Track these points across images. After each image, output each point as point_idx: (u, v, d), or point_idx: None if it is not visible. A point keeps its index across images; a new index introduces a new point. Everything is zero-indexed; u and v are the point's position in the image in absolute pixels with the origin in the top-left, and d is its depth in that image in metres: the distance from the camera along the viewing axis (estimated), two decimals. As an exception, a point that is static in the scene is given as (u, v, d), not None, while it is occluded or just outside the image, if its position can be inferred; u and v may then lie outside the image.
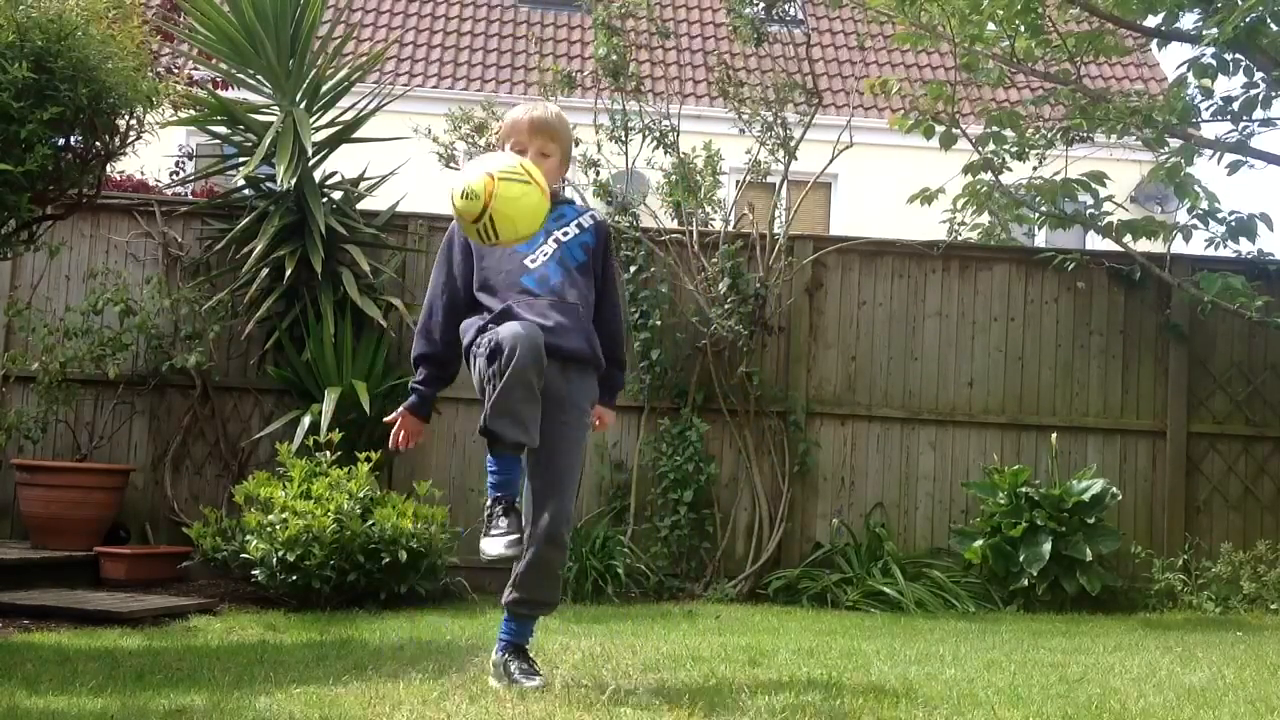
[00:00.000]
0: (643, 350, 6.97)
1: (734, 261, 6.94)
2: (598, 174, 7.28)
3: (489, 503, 3.40)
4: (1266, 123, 7.47)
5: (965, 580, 6.61)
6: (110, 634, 4.74)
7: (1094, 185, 7.51)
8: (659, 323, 6.96)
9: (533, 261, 3.47)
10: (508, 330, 3.27)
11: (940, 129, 7.56)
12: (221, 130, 7.14)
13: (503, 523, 3.35)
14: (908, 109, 7.79)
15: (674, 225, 7.20)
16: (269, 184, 6.92)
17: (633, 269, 7.03)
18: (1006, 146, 7.64)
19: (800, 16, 14.14)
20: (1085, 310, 7.30)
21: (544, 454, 3.41)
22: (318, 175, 6.89)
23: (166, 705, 3.21)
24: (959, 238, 8.05)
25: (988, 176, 7.71)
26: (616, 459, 6.97)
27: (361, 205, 7.13)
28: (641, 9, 7.31)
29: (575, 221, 3.59)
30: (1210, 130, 7.66)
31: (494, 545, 3.35)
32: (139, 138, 4.93)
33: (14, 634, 4.73)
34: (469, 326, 3.48)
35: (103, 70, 4.45)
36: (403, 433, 3.61)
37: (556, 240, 3.52)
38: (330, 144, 6.99)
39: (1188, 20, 7.56)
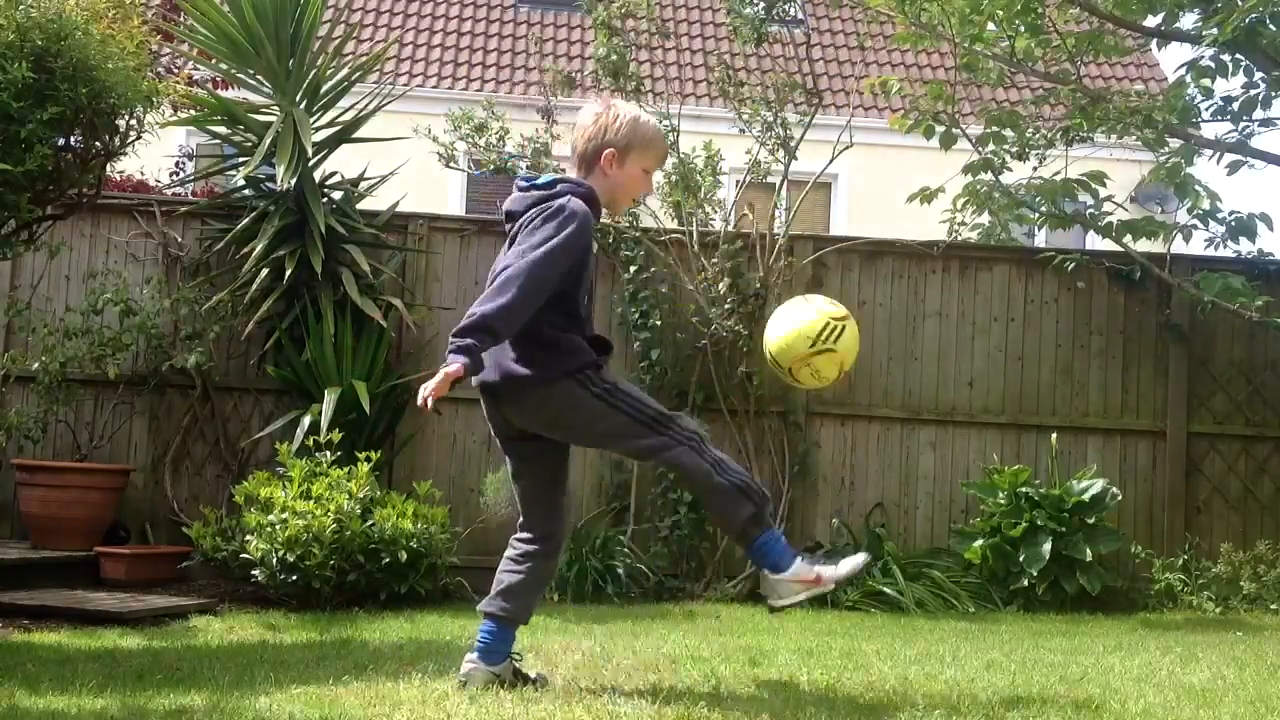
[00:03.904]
0: (643, 350, 6.97)
1: (734, 261, 6.94)
2: (598, 174, 7.27)
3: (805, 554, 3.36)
4: (1266, 123, 7.47)
5: (965, 580, 6.60)
6: (110, 634, 4.74)
7: (1094, 185, 7.51)
8: (659, 323, 6.96)
9: None
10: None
11: (940, 129, 7.56)
12: (221, 130, 7.14)
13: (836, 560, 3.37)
14: (908, 109, 7.79)
15: (674, 225, 7.20)
16: (269, 184, 6.92)
17: (633, 269, 7.03)
18: (1006, 146, 7.64)
19: (800, 16, 14.13)
20: (1085, 310, 7.30)
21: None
22: (318, 175, 6.89)
23: (166, 705, 3.21)
24: (959, 238, 8.05)
25: (988, 176, 7.71)
26: (616, 459, 6.96)
27: (361, 205, 7.13)
28: (641, 9, 7.31)
29: None
30: (1210, 130, 7.67)
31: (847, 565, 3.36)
32: (139, 138, 4.93)
33: (14, 634, 4.73)
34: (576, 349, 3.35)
35: (103, 70, 4.45)
36: (435, 387, 3.13)
37: None
38: (330, 144, 6.99)
39: (1188, 20, 7.55)
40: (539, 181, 3.47)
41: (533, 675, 3.54)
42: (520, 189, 3.48)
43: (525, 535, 3.52)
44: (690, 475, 3.34)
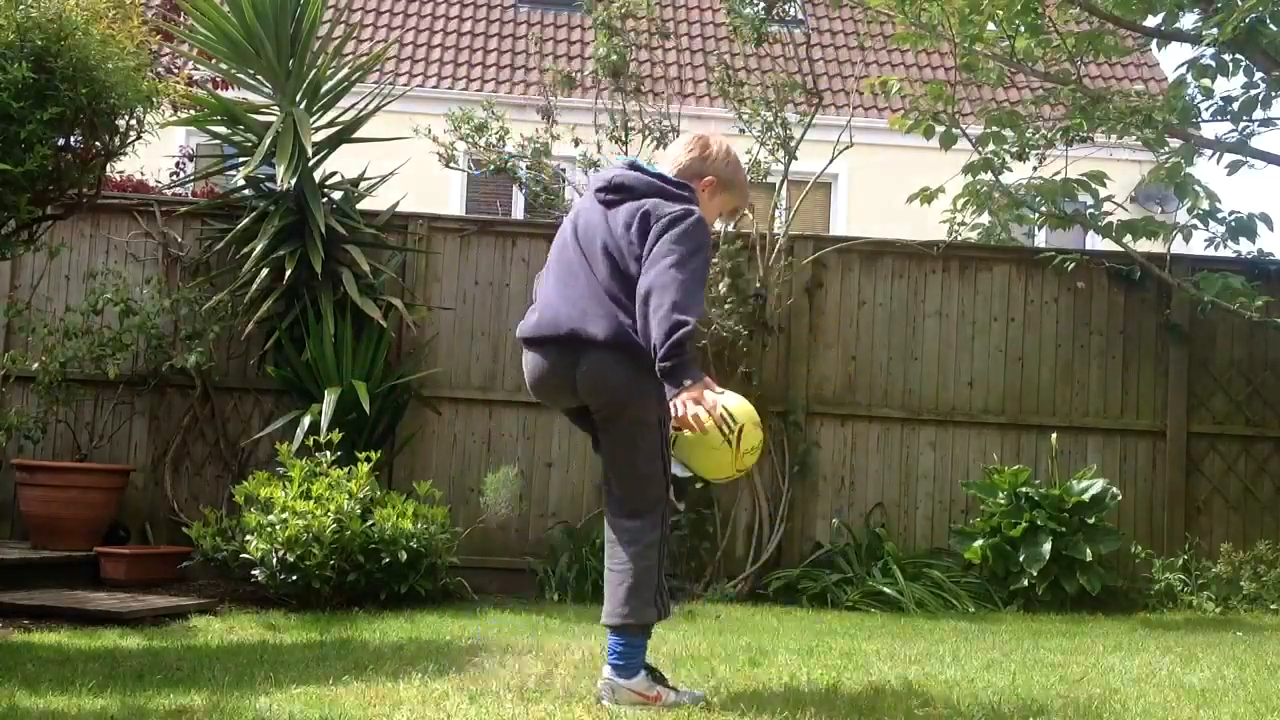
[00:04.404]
0: (643, 350, 6.96)
1: (734, 261, 6.93)
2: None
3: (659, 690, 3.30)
4: (1266, 123, 7.47)
5: (965, 580, 6.60)
6: (110, 634, 4.74)
7: (1094, 185, 7.51)
8: (659, 323, 6.95)
9: None
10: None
11: (940, 129, 7.56)
12: (221, 130, 7.13)
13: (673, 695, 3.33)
14: (908, 109, 7.78)
15: (674, 225, 7.19)
16: (269, 184, 6.91)
17: (633, 269, 7.03)
18: (1006, 146, 7.64)
19: (800, 16, 14.13)
20: (1085, 310, 7.30)
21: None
22: (318, 175, 6.89)
23: (166, 705, 3.21)
24: (959, 238, 8.05)
25: (988, 176, 7.71)
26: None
27: (361, 205, 7.13)
28: (641, 9, 7.31)
29: None
30: (1210, 130, 7.67)
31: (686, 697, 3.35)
32: (139, 138, 4.93)
33: (14, 634, 4.73)
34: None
35: (103, 70, 4.45)
36: (706, 409, 3.19)
37: None
38: (330, 144, 6.98)
39: (1188, 20, 7.56)
40: (662, 172, 3.48)
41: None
42: (636, 167, 3.48)
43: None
44: (645, 542, 3.31)
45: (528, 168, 7.56)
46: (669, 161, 3.56)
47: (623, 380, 3.28)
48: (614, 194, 3.43)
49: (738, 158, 3.60)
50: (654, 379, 3.20)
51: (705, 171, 3.51)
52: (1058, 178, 7.53)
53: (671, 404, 3.17)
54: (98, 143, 4.79)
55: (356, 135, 7.04)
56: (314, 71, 6.89)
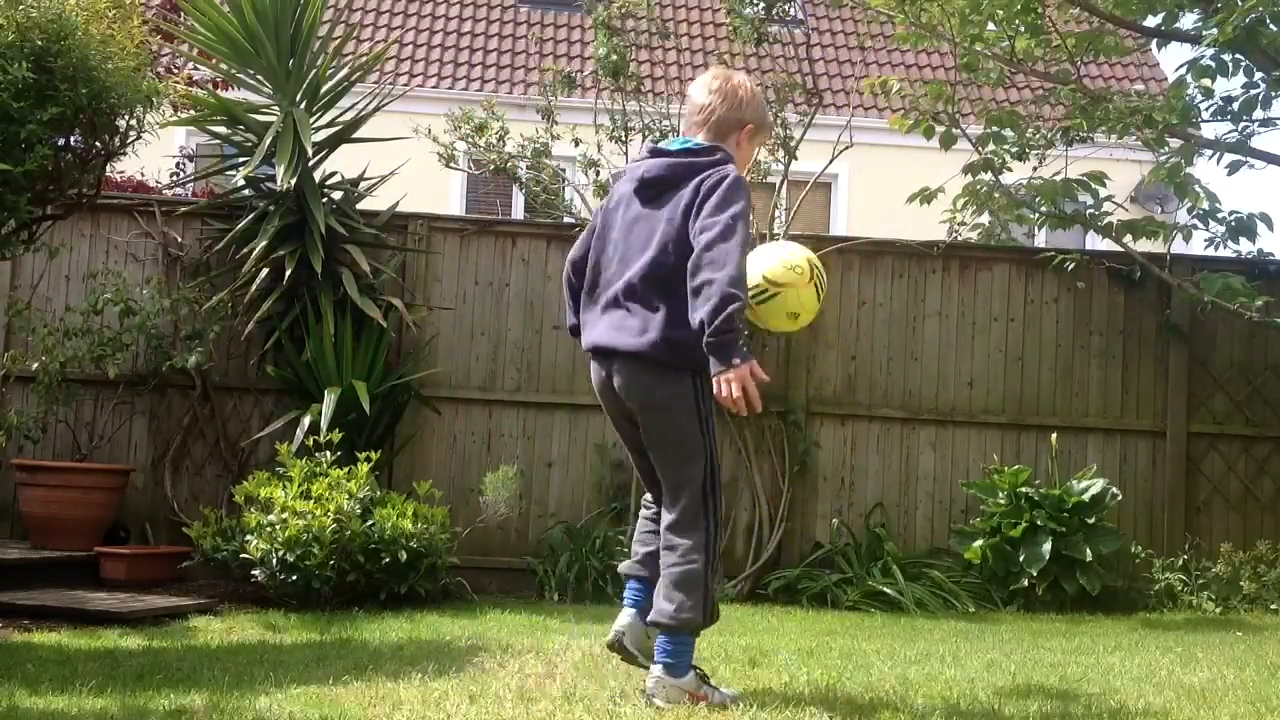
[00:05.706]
0: (643, 350, 6.96)
1: (734, 261, 6.92)
2: (598, 174, 7.28)
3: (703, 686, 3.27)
4: (1266, 123, 7.46)
5: (965, 580, 6.60)
6: (110, 634, 4.74)
7: (1094, 185, 7.51)
8: (659, 323, 6.95)
9: None
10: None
11: (940, 129, 7.56)
12: (221, 130, 7.13)
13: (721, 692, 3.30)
14: (908, 109, 7.78)
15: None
16: (269, 184, 6.91)
17: (633, 269, 7.03)
18: (1006, 146, 7.63)
19: (800, 16, 14.13)
20: (1085, 310, 7.30)
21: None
22: (318, 175, 6.89)
23: (166, 705, 3.21)
24: (959, 238, 8.05)
25: (988, 176, 7.71)
26: (616, 459, 6.96)
27: (361, 205, 7.13)
28: (641, 9, 7.32)
29: None
30: (1210, 130, 7.66)
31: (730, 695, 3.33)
32: (139, 138, 4.92)
33: (14, 634, 4.73)
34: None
35: (103, 70, 4.45)
36: (750, 397, 3.07)
37: None
38: (330, 144, 6.98)
39: (1188, 20, 7.56)
40: (690, 145, 3.33)
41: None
42: (660, 153, 3.37)
43: (653, 505, 3.44)
44: (692, 546, 3.22)
45: (528, 168, 7.56)
46: (698, 121, 3.38)
47: (652, 372, 3.24)
48: (651, 189, 3.33)
49: (759, 91, 3.43)
50: (685, 353, 3.15)
51: (744, 119, 3.35)
52: (1058, 178, 7.52)
53: (716, 381, 3.07)
54: (98, 143, 4.79)
55: (356, 135, 7.04)
56: (314, 71, 6.89)
